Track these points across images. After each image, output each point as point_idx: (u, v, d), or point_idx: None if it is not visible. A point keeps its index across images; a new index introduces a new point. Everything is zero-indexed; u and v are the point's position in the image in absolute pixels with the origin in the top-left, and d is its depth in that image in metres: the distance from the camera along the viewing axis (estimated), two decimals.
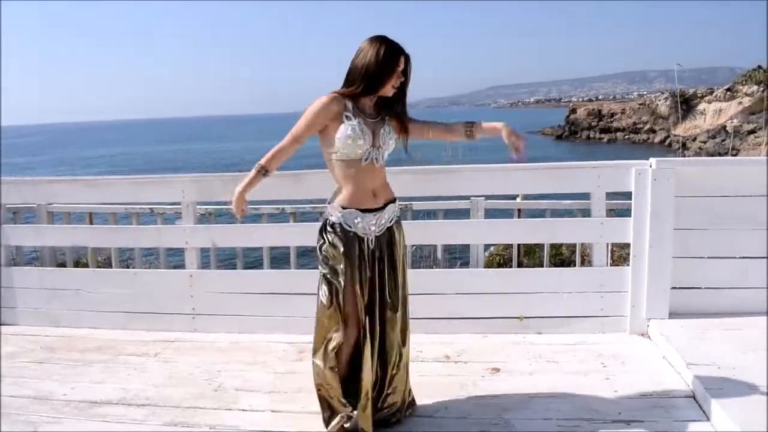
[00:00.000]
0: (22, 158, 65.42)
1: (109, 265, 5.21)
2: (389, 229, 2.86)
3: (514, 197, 4.70)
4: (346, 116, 2.69)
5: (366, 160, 2.74)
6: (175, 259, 5.12)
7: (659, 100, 52.25)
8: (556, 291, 3.99)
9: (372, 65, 2.67)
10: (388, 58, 2.68)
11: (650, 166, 3.81)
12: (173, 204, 4.49)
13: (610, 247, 4.09)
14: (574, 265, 4.77)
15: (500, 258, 5.69)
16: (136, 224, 4.71)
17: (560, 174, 4.02)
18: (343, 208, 2.75)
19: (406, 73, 2.77)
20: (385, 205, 2.85)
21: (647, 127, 51.52)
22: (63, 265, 5.04)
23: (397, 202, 2.95)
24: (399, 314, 2.87)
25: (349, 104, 2.71)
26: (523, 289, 4.02)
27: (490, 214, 4.39)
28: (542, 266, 4.65)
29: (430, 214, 4.61)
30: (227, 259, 6.21)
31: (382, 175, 2.86)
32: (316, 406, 3.11)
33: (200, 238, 4.23)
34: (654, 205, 3.78)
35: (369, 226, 2.77)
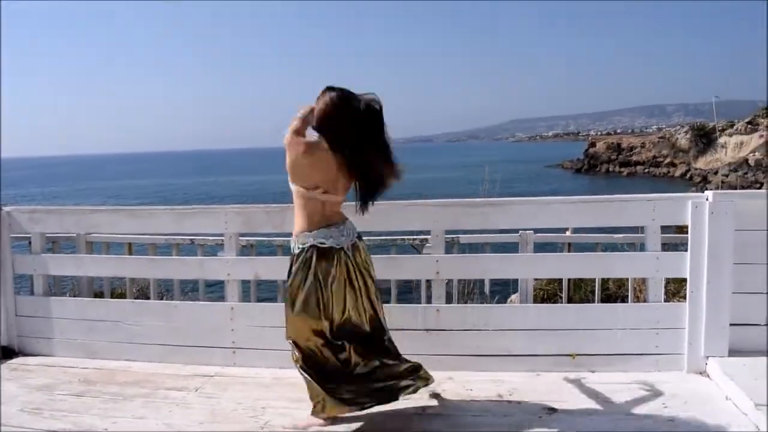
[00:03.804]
0: (36, 188, 66.15)
1: (145, 297, 5.15)
2: None
3: (563, 231, 4.59)
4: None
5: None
6: (210, 291, 5.03)
7: (679, 134, 51.93)
8: (609, 327, 3.84)
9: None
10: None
11: (707, 199, 3.69)
12: (215, 235, 4.43)
13: (663, 283, 3.96)
14: (622, 301, 4.62)
15: (544, 293, 5.55)
16: (176, 255, 4.65)
17: (613, 207, 3.91)
18: None
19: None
20: None
21: (667, 160, 51.17)
22: (99, 295, 4.98)
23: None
24: None
25: None
26: (575, 325, 3.88)
27: (539, 247, 4.29)
28: (591, 302, 4.52)
29: (476, 248, 4.50)
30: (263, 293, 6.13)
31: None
32: None
33: (243, 270, 4.16)
34: (712, 239, 3.66)
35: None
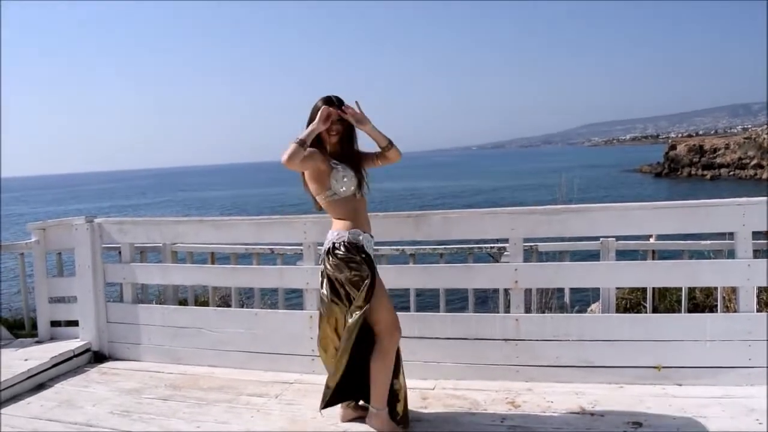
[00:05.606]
0: (122, 201, 69.29)
1: (227, 305, 5.30)
2: None
3: (646, 238, 4.45)
4: (333, 163, 3.19)
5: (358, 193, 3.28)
6: (288, 299, 5.13)
7: (766, 133, 49.55)
8: (698, 339, 3.68)
9: (308, 124, 3.15)
10: (313, 114, 3.16)
11: None
12: (294, 244, 4.51)
13: (755, 292, 3.77)
14: (711, 311, 4.43)
15: (626, 302, 5.39)
16: (257, 264, 4.76)
17: (699, 212, 3.75)
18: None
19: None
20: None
21: (754, 162, 49.00)
22: (183, 303, 5.16)
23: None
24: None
25: (326, 155, 3.21)
26: (660, 336, 3.73)
27: (621, 255, 4.17)
28: (677, 311, 4.35)
29: (556, 256, 4.42)
30: None
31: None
32: None
33: None
34: None
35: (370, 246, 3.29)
